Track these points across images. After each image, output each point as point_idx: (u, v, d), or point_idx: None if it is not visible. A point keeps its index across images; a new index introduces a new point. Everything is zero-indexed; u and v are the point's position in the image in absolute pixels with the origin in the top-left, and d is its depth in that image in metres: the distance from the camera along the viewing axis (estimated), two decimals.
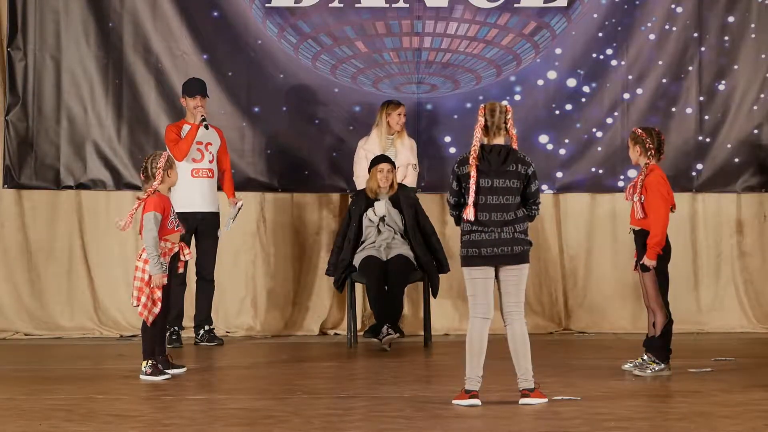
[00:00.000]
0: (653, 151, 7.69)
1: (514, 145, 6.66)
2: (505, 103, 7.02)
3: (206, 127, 9.24)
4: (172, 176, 7.70)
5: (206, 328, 9.42)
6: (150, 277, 7.50)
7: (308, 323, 10.16)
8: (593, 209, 10.25)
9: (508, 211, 6.56)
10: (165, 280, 7.51)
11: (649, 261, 7.56)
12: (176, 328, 9.26)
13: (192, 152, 9.24)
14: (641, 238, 7.62)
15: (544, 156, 10.11)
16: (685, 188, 10.06)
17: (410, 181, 9.66)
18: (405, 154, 9.64)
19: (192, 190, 9.20)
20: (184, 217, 9.02)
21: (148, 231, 7.49)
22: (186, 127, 9.28)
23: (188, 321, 9.48)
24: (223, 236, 9.46)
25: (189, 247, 7.85)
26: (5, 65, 10.01)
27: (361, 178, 9.67)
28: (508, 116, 6.64)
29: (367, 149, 9.67)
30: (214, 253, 9.43)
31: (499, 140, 6.64)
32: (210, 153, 9.35)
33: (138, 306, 7.54)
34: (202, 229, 9.32)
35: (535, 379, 6.55)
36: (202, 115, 9.23)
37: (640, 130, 7.75)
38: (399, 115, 9.64)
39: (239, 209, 9.37)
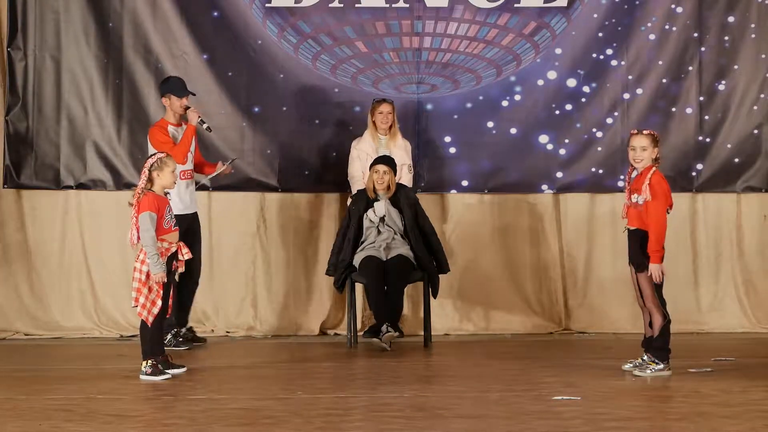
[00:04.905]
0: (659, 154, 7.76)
1: None
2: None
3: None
4: (162, 177, 7.63)
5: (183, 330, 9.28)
6: (147, 276, 7.49)
7: (308, 323, 10.16)
8: (593, 209, 10.24)
9: None
10: (165, 279, 7.52)
11: (654, 266, 7.54)
12: (187, 329, 9.24)
13: None
14: (636, 237, 7.62)
15: (544, 156, 10.12)
16: (685, 188, 10.07)
17: (405, 182, 9.63)
18: (399, 155, 9.62)
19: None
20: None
21: (145, 231, 7.49)
22: (171, 129, 9.10)
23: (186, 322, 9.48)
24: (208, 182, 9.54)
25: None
26: (5, 65, 10.01)
27: (354, 178, 9.67)
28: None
29: (360, 149, 9.66)
30: (199, 255, 9.19)
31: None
32: (191, 154, 9.20)
33: (137, 307, 7.54)
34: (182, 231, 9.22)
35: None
36: (200, 117, 9.16)
37: (656, 132, 7.76)
38: (381, 113, 9.62)
39: (228, 164, 9.37)
